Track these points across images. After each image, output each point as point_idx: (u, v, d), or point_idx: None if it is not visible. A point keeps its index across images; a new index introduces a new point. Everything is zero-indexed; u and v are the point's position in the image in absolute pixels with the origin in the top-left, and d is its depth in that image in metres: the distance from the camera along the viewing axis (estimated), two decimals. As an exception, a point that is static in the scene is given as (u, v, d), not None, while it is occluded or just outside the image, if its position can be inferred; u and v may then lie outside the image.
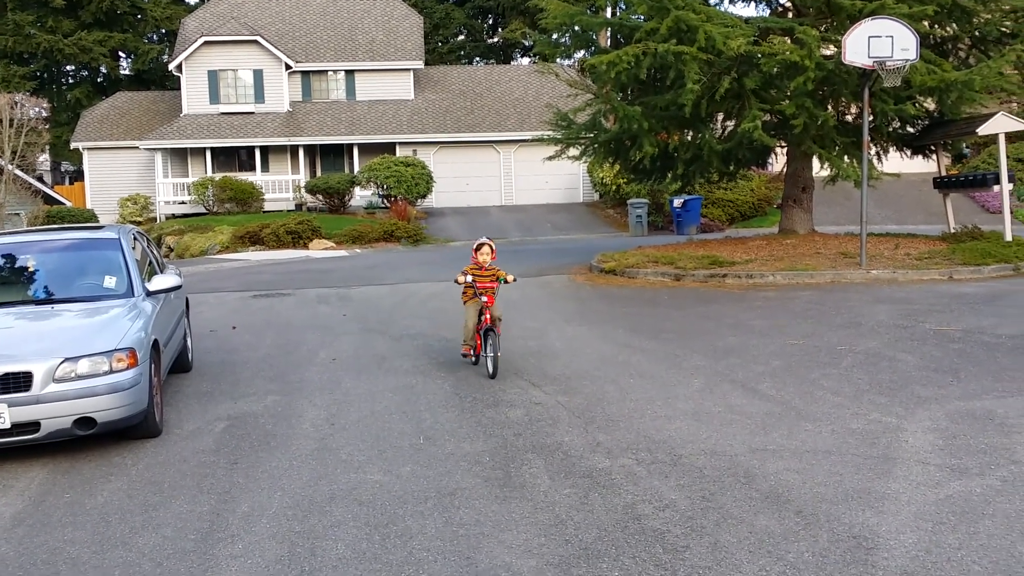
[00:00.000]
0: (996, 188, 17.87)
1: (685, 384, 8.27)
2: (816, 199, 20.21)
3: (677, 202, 28.52)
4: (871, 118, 16.49)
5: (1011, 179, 18.50)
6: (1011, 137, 25.30)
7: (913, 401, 7.37)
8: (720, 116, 19.17)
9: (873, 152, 19.03)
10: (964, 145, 32.41)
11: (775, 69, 16.03)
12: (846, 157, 17.40)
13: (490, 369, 8.75)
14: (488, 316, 8.80)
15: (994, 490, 5.31)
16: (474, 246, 9.13)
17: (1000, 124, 17.19)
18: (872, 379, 8.18)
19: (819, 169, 18.57)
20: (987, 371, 8.31)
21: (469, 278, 8.96)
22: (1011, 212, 18.49)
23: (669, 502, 5.33)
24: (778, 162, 23.94)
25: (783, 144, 19.14)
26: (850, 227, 20.52)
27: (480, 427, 7.10)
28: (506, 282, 9.09)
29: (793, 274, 15.32)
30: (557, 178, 36.82)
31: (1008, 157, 18.99)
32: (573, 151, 20.15)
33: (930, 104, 18.40)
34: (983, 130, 17.29)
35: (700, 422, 6.99)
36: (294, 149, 37.65)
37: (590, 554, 4.64)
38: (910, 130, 19.56)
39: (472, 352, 9.13)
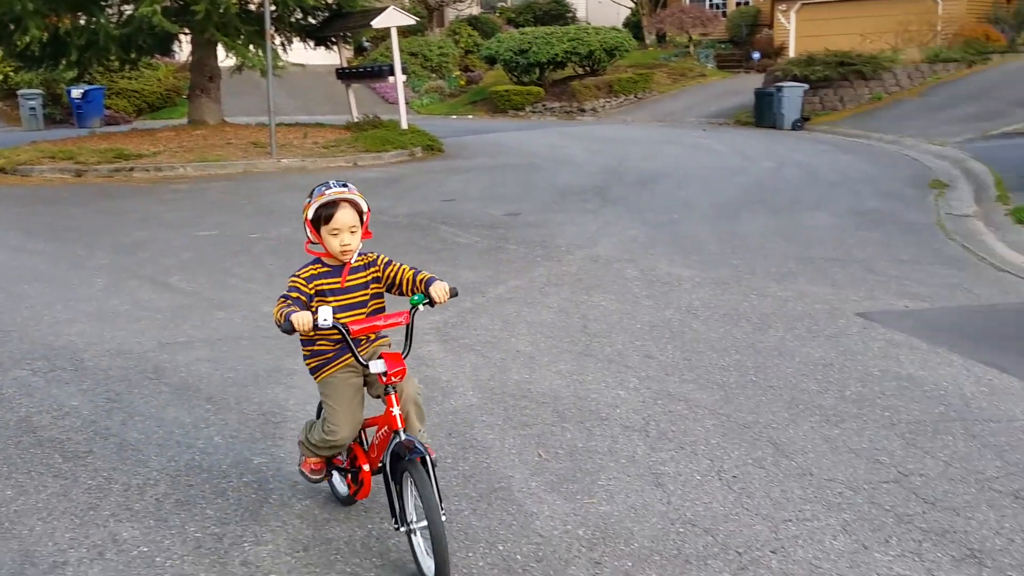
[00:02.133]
0: (391, 79, 19.15)
1: (88, 284, 7.72)
2: (226, 89, 19.92)
3: (76, 93, 26.23)
4: (273, 7, 16.53)
5: (405, 71, 19.98)
6: (405, 32, 27.27)
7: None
8: (117, -1, 17.86)
9: (278, 42, 19.22)
10: (364, 38, 34.15)
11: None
12: (251, 46, 17.35)
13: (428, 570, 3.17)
14: (396, 410, 3.29)
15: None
16: (309, 212, 3.41)
17: (391, 18, 18.35)
18: (283, 263, 8.35)
19: (225, 58, 18.27)
20: (384, 248, 8.94)
21: (328, 319, 3.20)
22: (406, 102, 20.01)
23: (70, 409, 4.95)
24: (184, 51, 23.08)
25: (187, 31, 18.45)
26: (261, 117, 20.57)
27: None
28: (431, 305, 3.41)
29: (204, 165, 15.04)
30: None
31: (402, 51, 20.44)
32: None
33: (329, -4, 18.98)
34: (377, 23, 18.32)
35: (105, 322, 6.58)
36: None
37: (-26, 479, 4.14)
38: (312, 21, 20.03)
39: (352, 486, 3.71)
